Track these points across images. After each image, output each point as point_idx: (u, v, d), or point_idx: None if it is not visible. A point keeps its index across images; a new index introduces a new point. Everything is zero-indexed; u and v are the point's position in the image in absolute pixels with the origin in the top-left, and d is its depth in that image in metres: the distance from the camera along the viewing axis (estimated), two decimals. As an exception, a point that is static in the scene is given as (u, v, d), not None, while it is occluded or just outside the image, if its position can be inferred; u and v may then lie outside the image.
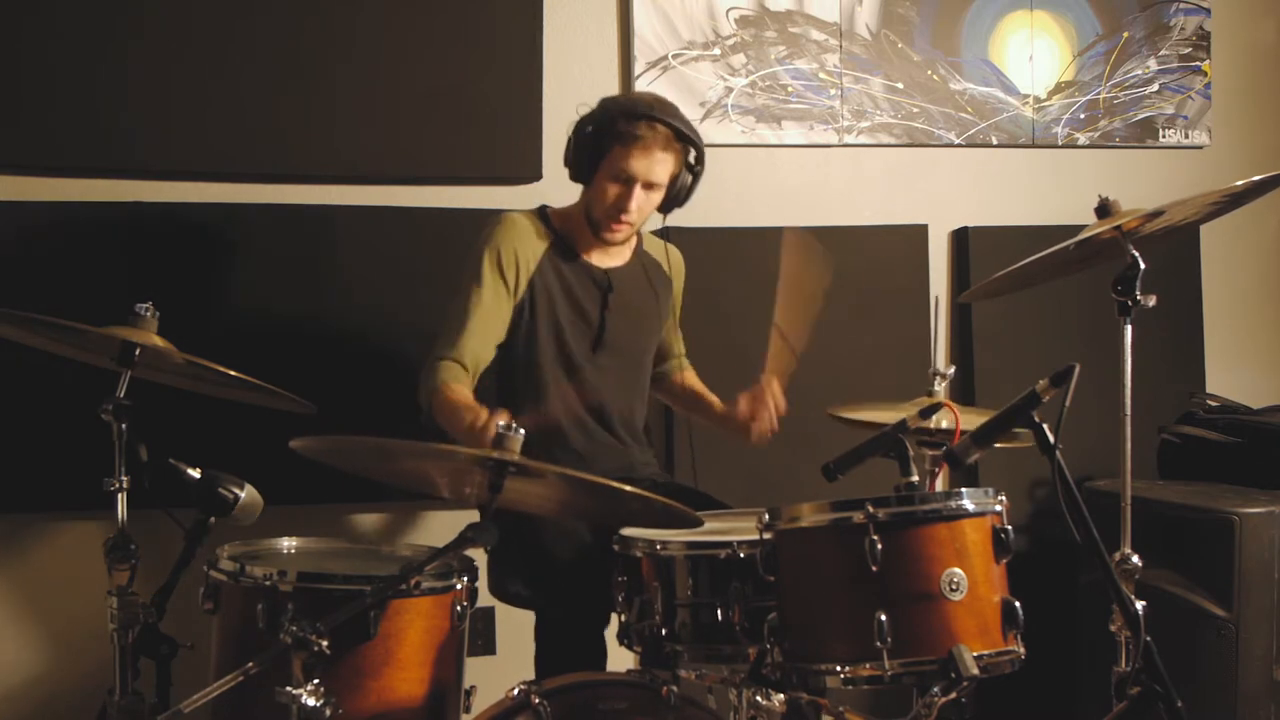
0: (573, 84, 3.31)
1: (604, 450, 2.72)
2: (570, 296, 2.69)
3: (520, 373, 2.67)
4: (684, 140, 2.60)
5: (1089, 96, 3.72)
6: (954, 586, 1.86)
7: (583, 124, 2.61)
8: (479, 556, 2.18)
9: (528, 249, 2.65)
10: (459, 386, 2.51)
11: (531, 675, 2.26)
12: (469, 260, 2.65)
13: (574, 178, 2.67)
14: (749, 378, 2.81)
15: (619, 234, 2.67)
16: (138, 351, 2.30)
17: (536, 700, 2.03)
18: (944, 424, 2.51)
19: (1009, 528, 1.94)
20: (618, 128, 2.55)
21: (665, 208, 2.69)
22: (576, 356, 2.69)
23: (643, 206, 2.62)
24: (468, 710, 2.18)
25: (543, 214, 2.75)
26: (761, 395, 2.62)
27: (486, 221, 2.70)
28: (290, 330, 3.08)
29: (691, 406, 2.97)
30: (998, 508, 1.96)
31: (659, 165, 2.58)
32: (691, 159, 2.64)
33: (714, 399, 2.90)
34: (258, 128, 3.08)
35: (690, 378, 2.98)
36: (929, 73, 3.58)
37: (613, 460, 2.71)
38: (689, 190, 2.68)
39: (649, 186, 2.60)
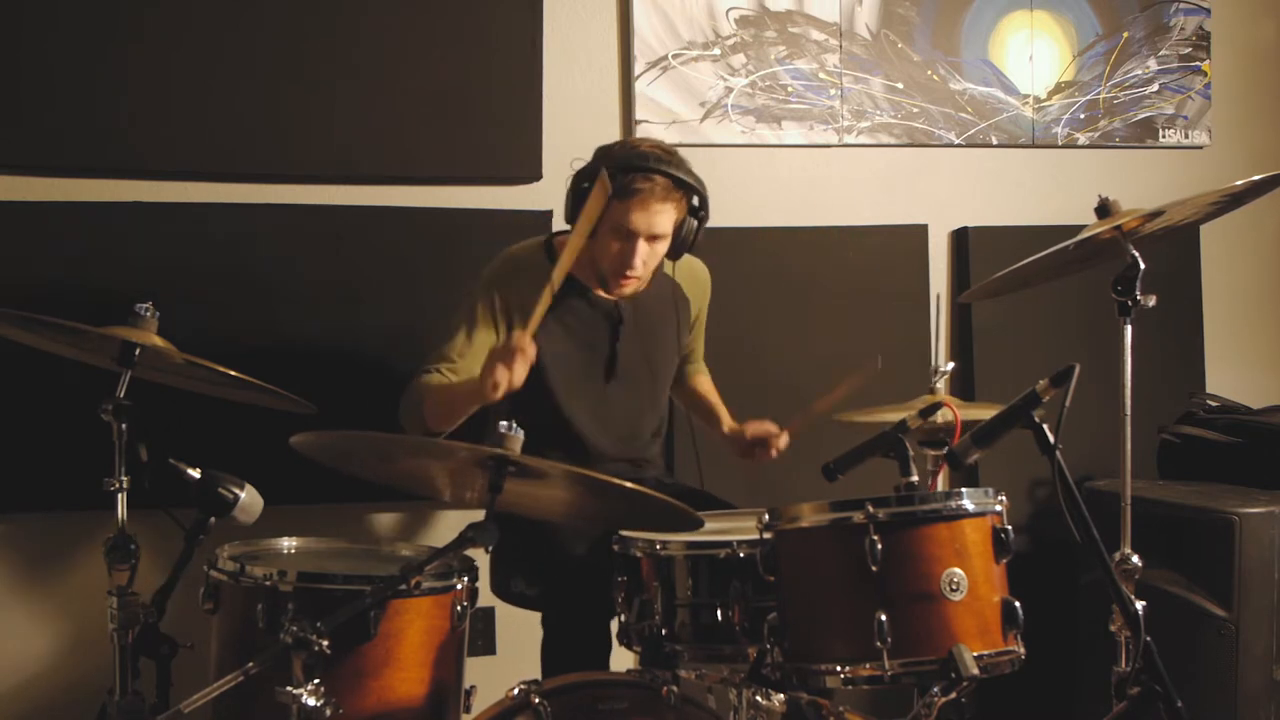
0: (573, 84, 3.31)
1: (611, 465, 2.72)
2: (579, 332, 2.67)
3: (532, 406, 2.64)
4: (684, 188, 2.53)
5: (1089, 96, 3.72)
6: (954, 586, 1.86)
7: (579, 179, 2.54)
8: (480, 556, 2.18)
9: (527, 295, 2.57)
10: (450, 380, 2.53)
11: (531, 675, 2.26)
12: (465, 298, 2.64)
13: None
14: (749, 377, 2.83)
15: (627, 288, 2.61)
16: (138, 351, 2.30)
17: (536, 700, 2.03)
18: (944, 421, 2.51)
19: (1009, 528, 1.94)
20: (615, 182, 2.46)
21: (673, 254, 2.62)
22: (588, 387, 2.69)
23: (648, 260, 2.57)
24: (468, 710, 2.18)
25: (549, 249, 2.69)
26: (773, 441, 2.71)
27: (487, 233, 2.68)
28: (290, 330, 3.08)
29: (698, 411, 2.96)
30: (998, 508, 1.96)
31: (659, 217, 2.51)
32: (695, 203, 2.56)
33: (723, 413, 2.90)
34: (258, 128, 3.08)
35: (704, 383, 2.97)
36: (929, 73, 3.58)
37: (619, 471, 2.71)
38: (696, 234, 2.60)
39: (653, 239, 2.54)
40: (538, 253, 2.68)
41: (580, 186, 2.52)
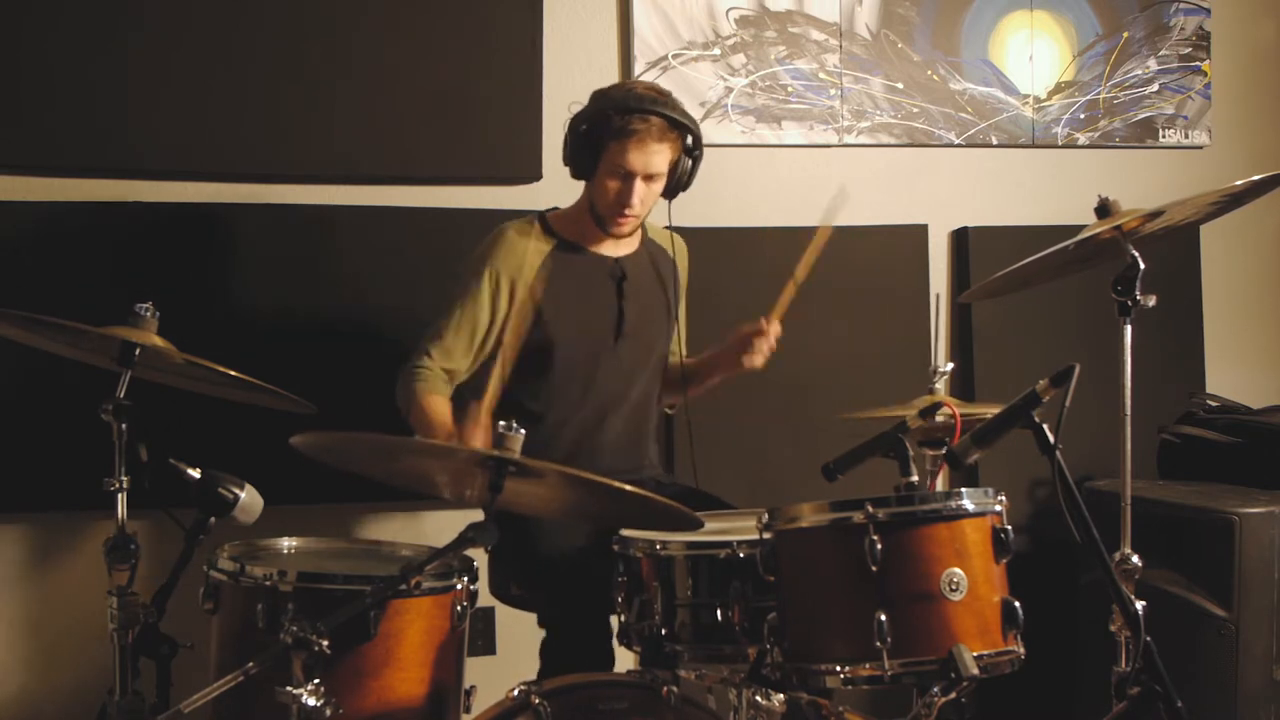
0: (573, 84, 3.30)
1: (616, 444, 2.75)
2: (585, 289, 2.71)
3: (541, 374, 2.68)
4: (679, 128, 2.61)
5: (1089, 96, 3.72)
6: (954, 586, 1.86)
7: (577, 122, 2.62)
8: (479, 556, 2.18)
9: (524, 265, 2.66)
10: (438, 399, 2.56)
11: (531, 675, 2.26)
12: (463, 274, 2.67)
13: (575, 175, 2.68)
14: (749, 376, 2.81)
15: (625, 227, 2.70)
16: (138, 351, 2.30)
17: (536, 700, 2.03)
18: (944, 421, 2.51)
19: (1009, 528, 1.94)
20: (612, 124, 2.56)
21: (669, 193, 2.70)
22: (599, 348, 2.72)
23: (645, 198, 2.64)
24: (468, 710, 2.18)
25: (543, 220, 2.76)
26: (764, 330, 2.68)
27: (487, 233, 2.71)
28: (290, 330, 3.08)
29: (692, 375, 2.90)
30: (998, 508, 1.96)
31: (656, 156, 2.59)
32: (689, 143, 2.64)
33: (709, 353, 2.88)
34: (258, 128, 3.08)
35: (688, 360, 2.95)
36: (929, 73, 3.58)
37: (624, 456, 2.74)
38: (691, 174, 2.69)
39: (649, 178, 2.62)
40: (534, 225, 2.74)
41: (579, 129, 2.61)
